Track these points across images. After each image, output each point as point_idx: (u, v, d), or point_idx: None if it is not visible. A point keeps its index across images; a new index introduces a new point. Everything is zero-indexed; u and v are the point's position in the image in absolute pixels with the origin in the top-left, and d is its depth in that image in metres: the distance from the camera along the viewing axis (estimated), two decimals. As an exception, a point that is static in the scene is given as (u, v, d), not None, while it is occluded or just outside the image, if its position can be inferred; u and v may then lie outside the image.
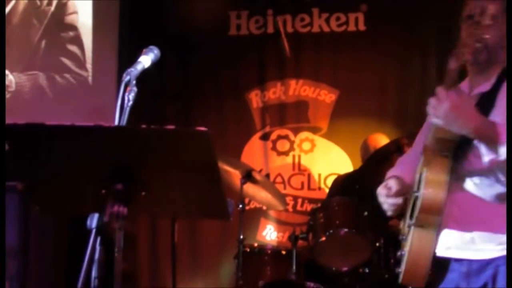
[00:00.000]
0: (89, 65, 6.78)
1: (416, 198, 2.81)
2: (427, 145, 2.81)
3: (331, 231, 5.05)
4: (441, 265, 2.88)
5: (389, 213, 3.08)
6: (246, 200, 6.02)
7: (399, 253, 3.00)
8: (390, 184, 3.01)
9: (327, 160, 6.64)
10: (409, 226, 2.87)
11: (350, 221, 5.02)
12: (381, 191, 3.05)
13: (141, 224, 6.53)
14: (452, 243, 2.85)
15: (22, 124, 2.31)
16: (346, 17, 6.66)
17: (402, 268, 2.95)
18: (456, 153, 2.75)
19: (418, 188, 2.79)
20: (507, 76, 2.72)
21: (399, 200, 2.98)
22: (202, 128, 2.27)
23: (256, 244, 5.73)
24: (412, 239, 2.83)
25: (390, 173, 3.19)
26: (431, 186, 2.72)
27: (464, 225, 2.81)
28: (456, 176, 2.76)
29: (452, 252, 2.87)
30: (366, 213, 5.06)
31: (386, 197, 3.01)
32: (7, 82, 6.78)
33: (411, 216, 2.85)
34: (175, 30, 6.64)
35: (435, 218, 2.75)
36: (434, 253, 2.82)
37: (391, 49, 6.55)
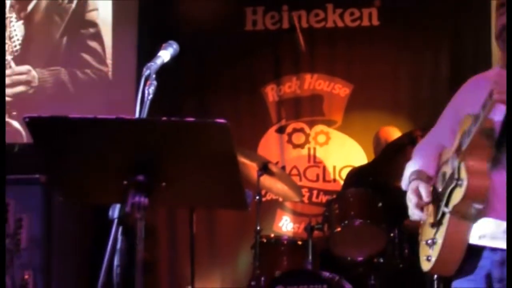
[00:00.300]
0: (109, 61, 6.80)
1: (454, 187, 2.77)
2: (466, 134, 2.73)
3: (346, 222, 5.05)
4: (471, 253, 2.82)
5: (413, 217, 3.05)
6: (263, 192, 6.00)
7: (429, 240, 2.95)
8: (421, 191, 2.96)
9: (342, 153, 6.63)
10: (443, 214, 2.86)
11: (365, 212, 5.02)
12: (410, 196, 3.01)
13: (160, 215, 6.54)
14: (488, 232, 2.78)
15: (46, 116, 2.32)
16: (360, 12, 6.65)
17: (433, 256, 2.91)
18: (498, 142, 2.71)
19: (458, 177, 2.74)
20: (507, 76, 2.70)
21: (422, 214, 2.97)
22: (221, 120, 2.27)
23: (272, 235, 5.74)
24: (448, 227, 2.79)
25: (411, 166, 3.14)
26: (475, 175, 2.68)
27: (502, 214, 2.72)
28: (496, 165, 2.72)
29: (486, 241, 2.80)
30: (380, 204, 5.06)
31: (416, 207, 2.98)
32: (29, 78, 6.82)
33: (447, 204, 2.83)
34: (193, 25, 6.64)
35: (477, 207, 2.72)
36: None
37: (404, 43, 6.54)
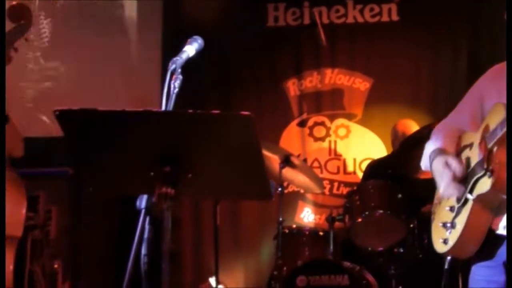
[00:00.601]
0: (134, 56, 6.82)
1: (482, 176, 2.72)
2: (500, 124, 2.65)
3: (367, 213, 5.06)
4: (493, 240, 2.79)
5: (446, 194, 2.92)
6: (285, 184, 6.04)
7: (447, 224, 2.92)
8: (454, 165, 2.87)
9: (362, 145, 6.62)
10: (466, 200, 2.82)
11: (385, 203, 5.01)
12: (442, 171, 2.90)
13: (185, 207, 6.56)
14: None
15: (76, 109, 2.33)
16: (379, 8, 6.64)
17: (450, 240, 2.89)
18: None
19: (487, 167, 2.68)
20: (507, 76, 2.67)
21: (462, 188, 2.85)
22: (245, 112, 2.27)
23: (294, 226, 5.74)
24: (470, 215, 2.75)
25: (431, 145, 3.08)
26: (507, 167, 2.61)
27: None
28: None
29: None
30: (400, 196, 5.05)
31: (451, 181, 2.87)
32: (58, 73, 6.84)
33: (471, 191, 2.78)
34: (216, 22, 6.65)
35: (502, 197, 2.67)
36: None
37: (423, 38, 6.52)
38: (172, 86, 2.59)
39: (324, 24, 6.63)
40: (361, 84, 6.63)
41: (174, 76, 2.61)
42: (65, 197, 5.66)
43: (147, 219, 2.43)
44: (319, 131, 6.69)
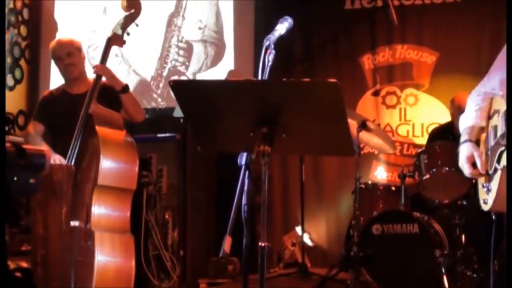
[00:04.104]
0: (230, 34, 6.81)
1: (503, 150, 2.69)
2: None
3: (434, 170, 4.98)
4: None
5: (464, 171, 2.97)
6: (361, 146, 6.02)
7: (485, 186, 2.89)
8: (477, 161, 2.89)
9: (429, 112, 6.51)
10: (496, 169, 2.78)
11: (450, 161, 4.90)
12: (465, 165, 2.95)
13: (275, 167, 6.61)
14: None
15: (186, 80, 2.37)
16: (445, -11, 6.48)
17: (489, 200, 2.86)
18: None
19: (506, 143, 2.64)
20: (507, 76, 2.58)
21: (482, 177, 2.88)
22: (333, 80, 2.26)
23: (370, 182, 5.70)
24: (500, 182, 2.74)
25: (465, 119, 3.07)
26: None
27: None
28: None
29: None
30: (463, 155, 4.95)
31: (471, 175, 2.93)
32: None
33: (498, 161, 2.75)
34: (302, 5, 6.62)
35: None
36: None
37: (485, 15, 6.32)
38: (266, 60, 2.59)
39: (395, 6, 6.50)
40: (428, 57, 6.50)
41: (268, 51, 2.61)
42: (173, 158, 5.76)
43: (247, 173, 2.44)
44: (391, 100, 6.61)
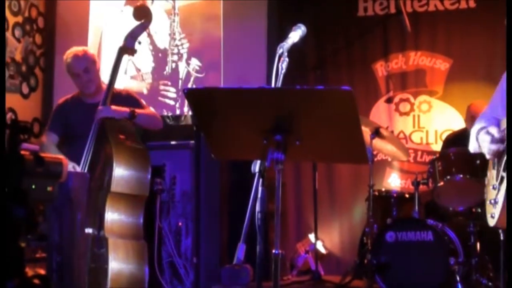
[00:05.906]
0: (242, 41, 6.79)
1: None
2: None
3: (448, 177, 4.96)
4: None
5: (488, 156, 2.98)
6: (375, 153, 6.02)
7: (492, 200, 2.89)
8: (491, 131, 2.91)
9: (442, 119, 6.49)
10: (502, 178, 2.77)
11: (464, 168, 4.90)
12: (483, 137, 2.96)
13: (288, 174, 6.60)
14: None
15: (201, 87, 2.37)
16: (458, -4, 6.47)
17: (495, 214, 2.86)
18: None
19: None
20: (507, 76, 2.58)
21: (501, 147, 2.87)
22: (346, 87, 2.26)
23: (383, 189, 5.69)
24: (507, 189, 2.73)
25: (478, 125, 3.12)
26: None
27: None
28: None
29: None
30: (478, 162, 4.92)
31: (490, 143, 2.91)
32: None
33: (505, 170, 2.75)
34: (314, 12, 6.63)
35: None
36: None
37: (498, 22, 6.28)
38: (280, 67, 2.59)
39: (408, 12, 6.50)
40: (442, 64, 6.49)
41: (281, 59, 2.60)
42: (187, 165, 5.76)
43: (261, 181, 2.44)
44: (404, 107, 6.60)
